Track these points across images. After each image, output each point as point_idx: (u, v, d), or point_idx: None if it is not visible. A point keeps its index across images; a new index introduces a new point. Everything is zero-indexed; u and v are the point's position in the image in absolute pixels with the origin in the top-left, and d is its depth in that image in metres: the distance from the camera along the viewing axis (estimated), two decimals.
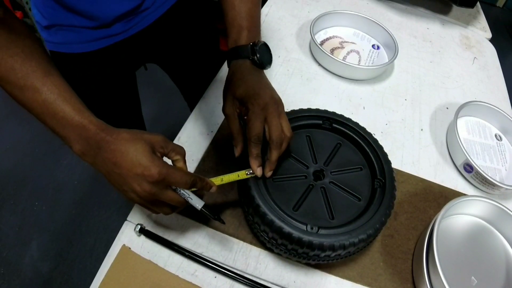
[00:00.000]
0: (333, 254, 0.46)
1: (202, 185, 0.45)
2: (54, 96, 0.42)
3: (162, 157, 0.45)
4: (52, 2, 0.60)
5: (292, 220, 0.46)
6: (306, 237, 0.44)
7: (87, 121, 0.42)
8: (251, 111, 0.47)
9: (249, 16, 0.55)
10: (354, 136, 0.57)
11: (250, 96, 0.48)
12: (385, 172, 0.52)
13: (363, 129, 0.57)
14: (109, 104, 0.77)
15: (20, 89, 0.42)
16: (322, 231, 0.46)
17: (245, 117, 0.49)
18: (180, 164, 0.47)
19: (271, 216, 0.46)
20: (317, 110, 0.60)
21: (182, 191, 0.44)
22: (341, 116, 0.59)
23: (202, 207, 0.45)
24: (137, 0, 0.65)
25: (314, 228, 0.46)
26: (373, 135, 0.57)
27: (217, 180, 0.48)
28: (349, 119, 0.58)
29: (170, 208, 0.45)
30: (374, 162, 0.54)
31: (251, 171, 0.48)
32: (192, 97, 0.95)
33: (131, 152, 0.41)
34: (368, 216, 0.48)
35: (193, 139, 0.64)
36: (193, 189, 0.45)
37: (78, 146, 0.42)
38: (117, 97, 0.78)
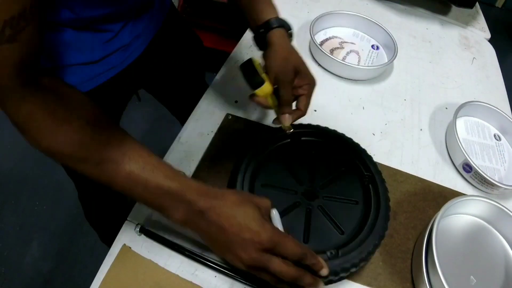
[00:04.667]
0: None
1: (312, 262, 0.40)
2: (139, 165, 0.38)
3: None
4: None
5: None
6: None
7: (186, 187, 0.39)
8: (300, 84, 0.54)
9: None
10: (360, 165, 0.55)
11: (302, 71, 0.54)
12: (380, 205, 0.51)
13: (370, 157, 0.56)
14: None
15: (96, 165, 0.38)
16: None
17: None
18: None
19: None
20: (327, 128, 0.59)
21: None
22: (351, 140, 0.58)
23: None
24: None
25: (332, 253, 0.45)
26: (372, 135, 0.57)
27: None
28: (357, 145, 0.58)
29: (275, 278, 0.39)
30: (372, 199, 0.52)
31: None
32: (182, 112, 0.93)
33: (240, 215, 0.38)
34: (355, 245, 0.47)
35: (193, 139, 0.65)
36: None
37: (179, 215, 0.39)
38: None
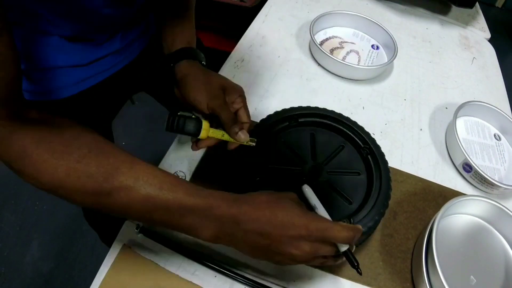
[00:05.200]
0: None
1: (359, 237, 0.38)
2: (156, 186, 0.35)
3: None
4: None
5: None
6: None
7: (212, 200, 0.36)
8: (233, 100, 0.51)
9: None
10: (357, 139, 0.58)
11: (228, 87, 0.52)
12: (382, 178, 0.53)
13: (367, 133, 0.58)
14: None
15: (108, 195, 0.35)
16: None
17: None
18: None
19: None
20: (325, 109, 0.61)
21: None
22: (348, 118, 0.60)
23: (347, 249, 0.39)
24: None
25: (345, 221, 0.46)
26: (372, 135, 0.58)
27: (219, 134, 0.50)
28: (354, 122, 0.60)
29: (328, 260, 0.39)
30: (373, 170, 0.54)
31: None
32: None
33: (280, 214, 0.36)
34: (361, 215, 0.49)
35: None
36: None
37: (210, 231, 0.36)
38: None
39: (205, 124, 0.49)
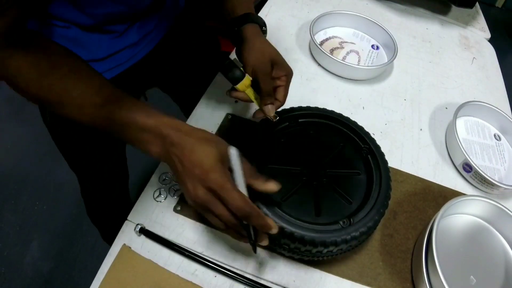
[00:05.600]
0: (335, 249, 0.47)
1: (259, 223, 0.40)
2: (118, 105, 0.42)
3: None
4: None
5: (285, 215, 0.47)
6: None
7: (161, 123, 0.41)
8: (278, 75, 0.56)
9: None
10: (357, 139, 0.58)
11: (279, 63, 0.56)
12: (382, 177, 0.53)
13: (367, 133, 0.58)
14: (101, 143, 0.74)
15: (79, 108, 0.42)
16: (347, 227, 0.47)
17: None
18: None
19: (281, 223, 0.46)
20: (324, 109, 0.61)
21: None
22: (348, 118, 0.60)
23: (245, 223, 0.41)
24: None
25: (345, 221, 0.47)
26: (372, 135, 0.58)
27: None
28: (354, 122, 0.59)
29: (221, 222, 0.41)
30: (373, 170, 0.54)
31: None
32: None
33: (198, 152, 0.39)
34: (362, 214, 0.49)
35: None
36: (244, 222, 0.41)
37: (156, 148, 0.41)
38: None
39: (246, 79, 0.54)
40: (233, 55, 0.69)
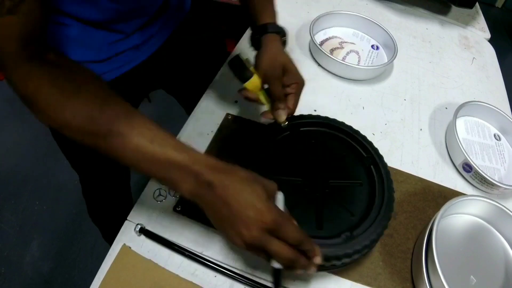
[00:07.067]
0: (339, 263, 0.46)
1: (308, 248, 0.39)
2: (148, 138, 0.38)
3: None
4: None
5: None
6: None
7: (194, 159, 0.39)
8: (288, 83, 0.56)
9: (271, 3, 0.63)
10: (359, 149, 0.57)
11: (291, 70, 0.56)
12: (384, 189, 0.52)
13: (370, 143, 0.57)
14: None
15: (104, 138, 0.39)
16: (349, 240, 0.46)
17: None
18: None
19: None
20: (326, 118, 0.60)
21: None
22: (350, 127, 0.59)
23: (280, 268, 0.40)
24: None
25: (348, 235, 0.46)
26: (372, 135, 0.57)
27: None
28: (357, 131, 0.59)
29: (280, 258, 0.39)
30: (376, 181, 0.53)
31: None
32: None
33: (246, 192, 0.37)
34: (365, 226, 0.47)
35: (193, 139, 0.65)
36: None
37: (187, 187, 0.38)
38: None
39: (255, 78, 0.54)
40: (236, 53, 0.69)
